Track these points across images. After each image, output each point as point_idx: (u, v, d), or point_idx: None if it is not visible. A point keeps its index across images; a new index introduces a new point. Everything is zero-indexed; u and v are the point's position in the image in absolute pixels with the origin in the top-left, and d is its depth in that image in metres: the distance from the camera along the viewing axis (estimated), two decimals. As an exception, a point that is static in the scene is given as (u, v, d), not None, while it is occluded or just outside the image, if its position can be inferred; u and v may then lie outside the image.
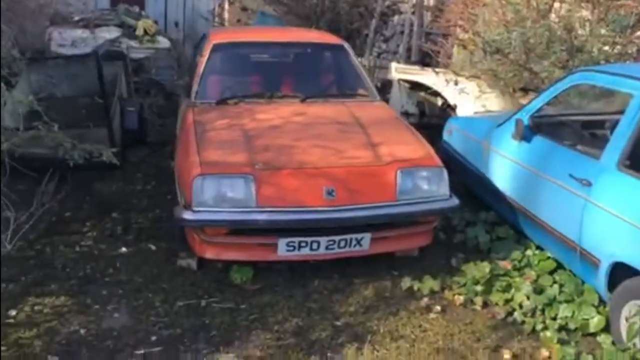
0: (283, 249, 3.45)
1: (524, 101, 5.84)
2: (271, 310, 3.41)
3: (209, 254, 3.54)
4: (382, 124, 4.13)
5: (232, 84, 4.70)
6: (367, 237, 3.49)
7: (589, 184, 3.17)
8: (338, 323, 3.30)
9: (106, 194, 5.09)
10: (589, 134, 3.90)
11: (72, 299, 3.46)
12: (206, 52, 4.78)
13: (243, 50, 4.96)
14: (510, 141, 4.00)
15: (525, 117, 3.90)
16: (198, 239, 3.51)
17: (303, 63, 5.06)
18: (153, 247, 4.14)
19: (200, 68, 4.66)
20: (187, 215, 3.31)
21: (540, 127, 3.86)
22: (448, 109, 6.21)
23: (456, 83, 5.57)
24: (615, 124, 3.28)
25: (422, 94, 6.50)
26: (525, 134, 3.81)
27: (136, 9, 9.85)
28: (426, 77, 6.13)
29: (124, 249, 4.10)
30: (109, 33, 8.51)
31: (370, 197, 3.43)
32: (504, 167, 4.06)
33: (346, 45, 5.11)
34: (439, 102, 6.41)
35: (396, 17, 12.16)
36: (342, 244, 3.48)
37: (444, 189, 3.60)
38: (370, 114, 4.32)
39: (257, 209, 3.31)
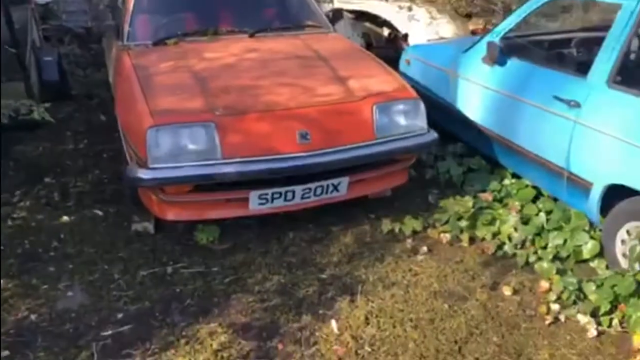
0: (255, 203, 3.10)
1: (472, 27, 5.65)
2: (247, 269, 3.09)
3: (171, 215, 3.14)
4: (346, 57, 3.77)
5: (167, 22, 4.13)
6: (344, 181, 3.20)
7: (578, 105, 3.00)
8: (323, 276, 3.04)
9: (33, 157, 4.48)
10: (568, 52, 3.71)
11: (13, 280, 2.99)
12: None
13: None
14: (480, 66, 3.76)
15: (496, 40, 3.65)
16: (156, 199, 3.09)
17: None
18: (100, 213, 3.67)
19: (130, 4, 4.07)
20: (143, 174, 2.87)
21: (513, 49, 3.63)
22: (396, 40, 5.90)
23: (410, 9, 5.22)
24: (599, 40, 3.09)
25: (367, 24, 6.13)
26: (499, 58, 3.58)
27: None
28: (374, 5, 5.74)
29: (65, 218, 3.61)
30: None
31: (347, 137, 3.11)
32: (475, 94, 3.83)
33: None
34: (385, 32, 6.08)
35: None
36: (319, 191, 3.17)
37: (421, 122, 3.34)
38: (329, 46, 3.94)
39: (224, 161, 2.92)
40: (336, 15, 4.43)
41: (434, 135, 3.36)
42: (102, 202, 3.79)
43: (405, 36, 5.44)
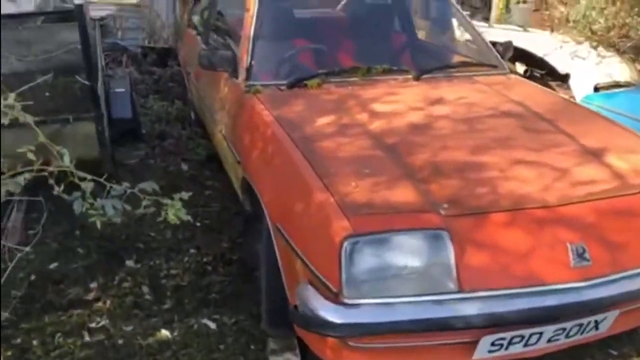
0: (484, 350, 1.97)
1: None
2: None
3: (349, 361, 2.01)
4: (568, 114, 2.65)
5: (302, 54, 3.07)
6: (611, 316, 2.06)
7: None
8: None
9: (104, 224, 3.37)
10: None
11: None
12: (250, 6, 3.11)
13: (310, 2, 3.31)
14: None
15: None
16: (333, 340, 1.96)
17: (388, 17, 3.48)
18: (211, 325, 2.57)
19: (249, 28, 3.01)
20: (335, 316, 1.75)
21: None
22: (533, 78, 4.78)
23: (580, 44, 4.11)
24: None
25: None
26: None
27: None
28: (529, 39, 4.63)
29: (165, 333, 2.51)
30: (57, -15, 6.53)
31: (634, 253, 1.98)
32: None
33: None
34: (520, 68, 4.97)
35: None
36: (574, 331, 2.04)
37: None
38: (530, 96, 2.83)
39: (463, 295, 1.79)
40: (507, 49, 3.31)
41: None
42: (210, 304, 2.69)
43: (566, 77, 4.32)
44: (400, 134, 2.31)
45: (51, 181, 1.88)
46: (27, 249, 2.40)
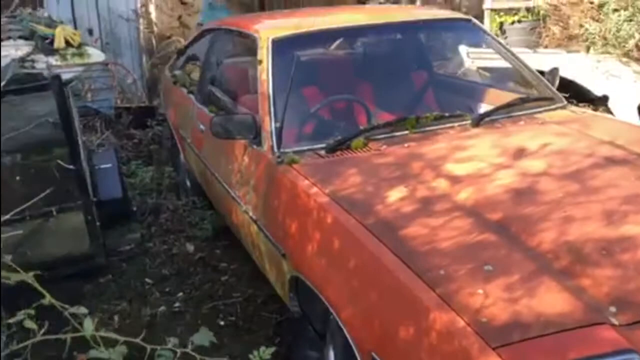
0: None
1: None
2: None
3: None
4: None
5: (331, 108, 2.55)
6: None
7: None
8: None
9: (106, 321, 2.75)
10: None
11: None
12: (263, 57, 2.58)
13: (325, 44, 2.82)
14: None
15: None
16: None
17: (423, 57, 3.01)
18: None
19: (265, 86, 2.48)
20: None
21: None
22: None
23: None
24: None
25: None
26: None
27: (43, 12, 7.22)
28: (559, 62, 4.20)
29: None
30: (16, 49, 5.94)
31: None
32: None
33: (473, 19, 3.10)
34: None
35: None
36: None
37: None
38: (619, 133, 2.35)
39: None
40: (554, 77, 2.86)
41: None
42: None
43: (604, 99, 3.90)
44: (502, 204, 1.79)
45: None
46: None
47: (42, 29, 6.31)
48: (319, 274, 1.82)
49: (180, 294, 3.05)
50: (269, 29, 2.82)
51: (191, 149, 3.50)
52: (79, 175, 2.77)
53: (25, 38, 6.27)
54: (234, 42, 3.35)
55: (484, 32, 3.11)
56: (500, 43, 3.09)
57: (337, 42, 3.15)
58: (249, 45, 2.88)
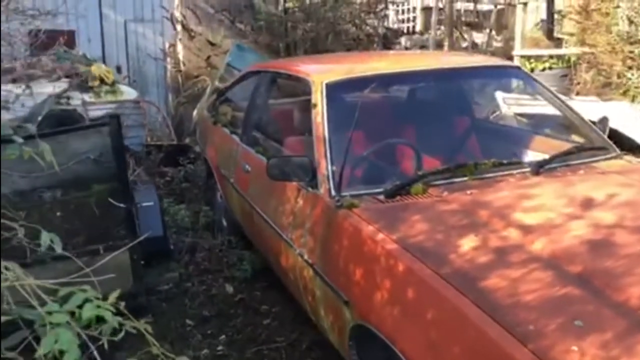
0: None
1: None
2: None
3: None
4: None
5: (387, 151, 2.55)
6: None
7: None
8: None
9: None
10: None
11: None
12: (318, 101, 2.60)
13: (376, 89, 2.83)
14: None
15: None
16: None
17: (468, 103, 3.02)
18: None
19: (321, 130, 2.48)
20: None
21: None
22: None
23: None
24: None
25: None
26: None
27: (78, 51, 7.38)
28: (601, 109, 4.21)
29: None
30: (53, 85, 6.06)
31: None
32: None
33: (521, 66, 3.11)
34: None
35: (403, 39, 10.44)
36: None
37: None
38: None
39: None
40: (605, 126, 2.85)
41: None
42: None
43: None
44: (580, 256, 1.75)
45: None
46: None
47: (83, 68, 6.46)
48: (390, 324, 1.77)
49: (223, 336, 2.99)
50: (321, 73, 2.85)
51: (233, 188, 3.50)
52: (129, 213, 2.76)
53: (66, 76, 6.41)
54: (283, 85, 3.39)
55: (533, 78, 3.12)
56: (549, 90, 3.10)
57: (392, 86, 3.17)
58: (301, 89, 2.90)
